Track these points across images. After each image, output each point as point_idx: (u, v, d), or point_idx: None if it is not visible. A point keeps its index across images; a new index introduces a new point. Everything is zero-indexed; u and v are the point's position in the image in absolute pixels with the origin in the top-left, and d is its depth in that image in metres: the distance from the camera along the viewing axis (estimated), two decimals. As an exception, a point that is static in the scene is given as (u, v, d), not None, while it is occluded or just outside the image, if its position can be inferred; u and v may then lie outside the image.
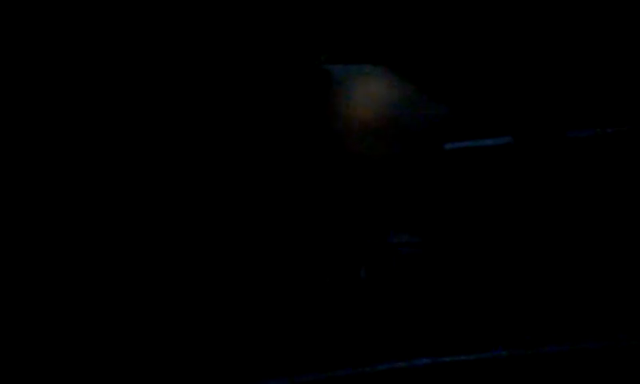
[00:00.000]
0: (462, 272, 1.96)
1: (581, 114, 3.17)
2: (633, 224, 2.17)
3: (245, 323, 1.65)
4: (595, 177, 2.20)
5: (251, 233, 2.43)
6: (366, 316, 1.55)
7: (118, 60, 3.15)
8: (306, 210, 2.47)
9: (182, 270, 2.14)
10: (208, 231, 2.45)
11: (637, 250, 1.98)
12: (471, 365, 0.42)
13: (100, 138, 2.80)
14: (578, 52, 3.52)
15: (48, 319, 1.78)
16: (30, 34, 3.18)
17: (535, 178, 2.19)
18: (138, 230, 2.49)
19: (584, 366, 0.44)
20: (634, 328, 0.47)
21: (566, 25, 3.51)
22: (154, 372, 1.29)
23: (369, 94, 2.70)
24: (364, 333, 1.40)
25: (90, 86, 3.01)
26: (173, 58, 3.45)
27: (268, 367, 1.07)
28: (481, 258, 2.02)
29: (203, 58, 3.38)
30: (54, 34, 3.19)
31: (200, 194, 2.77)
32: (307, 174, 2.76)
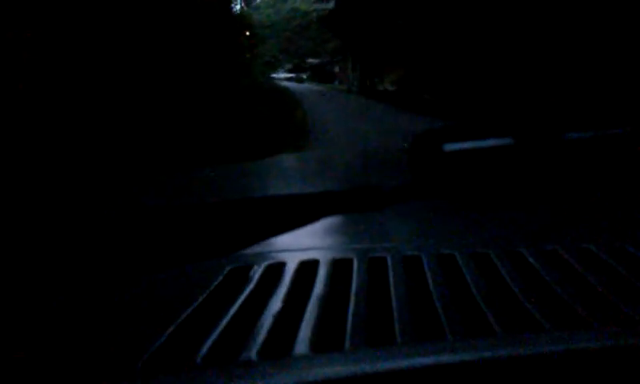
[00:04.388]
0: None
1: (579, 116, 3.18)
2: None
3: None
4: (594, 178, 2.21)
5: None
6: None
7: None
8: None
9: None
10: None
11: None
12: (471, 365, 0.42)
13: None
14: (576, 54, 3.54)
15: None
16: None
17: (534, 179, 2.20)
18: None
19: (584, 366, 0.44)
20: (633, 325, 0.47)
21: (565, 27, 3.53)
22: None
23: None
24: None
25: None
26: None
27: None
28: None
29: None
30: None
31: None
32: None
